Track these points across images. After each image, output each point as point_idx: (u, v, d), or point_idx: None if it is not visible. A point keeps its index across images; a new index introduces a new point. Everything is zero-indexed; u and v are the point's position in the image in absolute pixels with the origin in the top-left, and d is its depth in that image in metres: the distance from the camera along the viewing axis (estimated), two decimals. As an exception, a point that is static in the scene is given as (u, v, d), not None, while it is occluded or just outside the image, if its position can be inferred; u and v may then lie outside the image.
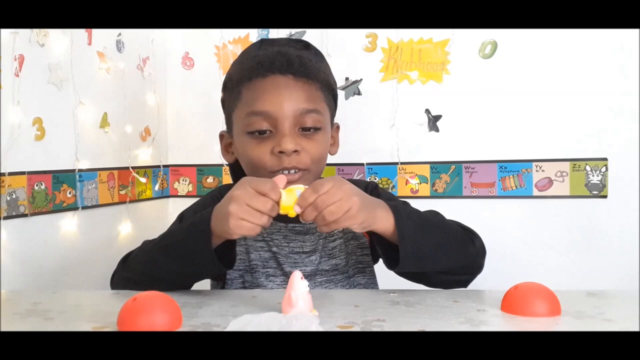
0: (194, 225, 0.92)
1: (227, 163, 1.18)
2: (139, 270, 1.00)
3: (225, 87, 1.12)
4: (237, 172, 1.14)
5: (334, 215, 0.86)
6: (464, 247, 1.00)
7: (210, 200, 1.11)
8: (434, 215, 1.04)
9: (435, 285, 1.01)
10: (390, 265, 0.96)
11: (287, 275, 1.06)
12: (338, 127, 1.16)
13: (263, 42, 1.14)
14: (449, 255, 0.98)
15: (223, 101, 1.13)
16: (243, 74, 1.07)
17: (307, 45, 1.16)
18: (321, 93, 1.08)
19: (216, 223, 0.89)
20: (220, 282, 1.10)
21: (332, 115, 1.13)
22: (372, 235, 0.97)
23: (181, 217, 1.10)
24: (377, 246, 0.99)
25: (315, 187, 0.87)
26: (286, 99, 1.03)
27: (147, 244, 1.03)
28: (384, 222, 0.92)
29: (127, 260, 1.04)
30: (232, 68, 1.12)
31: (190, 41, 2.07)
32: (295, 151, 1.01)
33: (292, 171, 1.02)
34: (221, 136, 1.14)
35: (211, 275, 1.07)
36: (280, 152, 1.01)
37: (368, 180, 1.94)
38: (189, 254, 0.93)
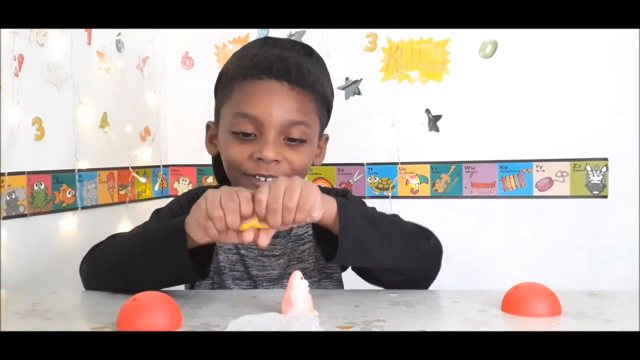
0: (171, 225, 0.91)
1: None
2: (109, 261, 0.98)
3: (220, 79, 1.10)
4: (219, 166, 1.11)
5: (292, 210, 0.83)
6: (415, 243, 0.98)
7: (186, 199, 1.10)
8: (391, 215, 1.02)
9: (388, 286, 0.98)
10: (329, 257, 0.93)
11: (252, 279, 1.06)
12: (327, 139, 1.15)
13: (266, 41, 1.11)
14: (397, 251, 0.95)
15: (215, 91, 1.12)
16: (238, 72, 1.04)
17: (310, 52, 1.12)
18: (314, 105, 1.05)
19: (188, 225, 0.88)
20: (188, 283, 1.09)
21: (323, 127, 1.11)
22: (315, 228, 0.96)
23: (157, 212, 1.10)
24: (315, 239, 0.99)
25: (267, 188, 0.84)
26: (276, 107, 1.00)
27: (119, 237, 1.02)
28: (328, 210, 0.89)
29: (96, 250, 1.02)
30: (230, 62, 1.09)
31: (190, 41, 2.07)
32: (276, 160, 0.99)
33: (269, 179, 0.99)
34: (207, 126, 1.12)
35: (185, 281, 1.03)
36: (260, 158, 0.98)
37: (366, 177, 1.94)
38: (165, 253, 0.90)
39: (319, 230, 0.96)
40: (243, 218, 0.83)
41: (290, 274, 1.04)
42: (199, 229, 0.85)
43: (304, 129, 1.03)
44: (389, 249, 0.94)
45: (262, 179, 1.00)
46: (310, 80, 1.05)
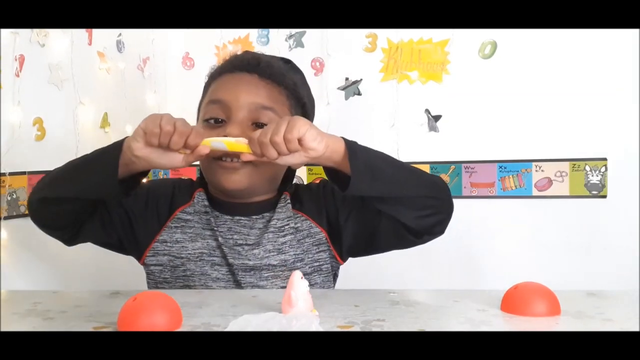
0: (111, 144, 0.97)
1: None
2: (45, 183, 1.05)
3: (204, 90, 1.17)
4: (191, 180, 1.20)
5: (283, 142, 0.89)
6: (421, 173, 1.03)
7: (162, 183, 1.21)
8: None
9: (411, 222, 1.02)
10: (344, 189, 0.96)
11: (230, 266, 1.07)
12: None
13: (248, 52, 1.19)
14: (409, 177, 1.00)
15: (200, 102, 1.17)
16: (215, 72, 1.13)
17: (288, 61, 1.19)
18: (284, 98, 1.10)
19: (127, 141, 0.94)
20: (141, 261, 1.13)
21: None
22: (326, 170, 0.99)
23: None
24: (329, 174, 0.99)
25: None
26: (244, 92, 1.06)
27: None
28: (335, 144, 0.93)
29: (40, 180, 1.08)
30: (209, 72, 1.17)
31: (191, 41, 2.08)
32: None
33: (235, 160, 1.04)
34: None
35: (108, 194, 1.03)
36: (225, 136, 1.00)
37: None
38: (95, 163, 0.98)
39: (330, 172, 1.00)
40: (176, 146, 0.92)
41: (269, 265, 1.06)
42: (140, 137, 0.91)
43: (272, 115, 1.07)
44: (400, 174, 1.00)
45: (228, 159, 1.05)
46: (280, 74, 1.11)
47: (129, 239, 1.12)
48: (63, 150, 1.53)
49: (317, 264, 1.11)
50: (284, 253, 1.09)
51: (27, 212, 1.39)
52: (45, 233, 1.10)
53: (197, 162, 1.18)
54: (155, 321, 0.70)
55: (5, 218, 1.31)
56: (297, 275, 0.77)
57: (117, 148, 0.95)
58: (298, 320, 0.71)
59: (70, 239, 1.12)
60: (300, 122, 0.90)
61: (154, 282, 1.12)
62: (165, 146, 0.91)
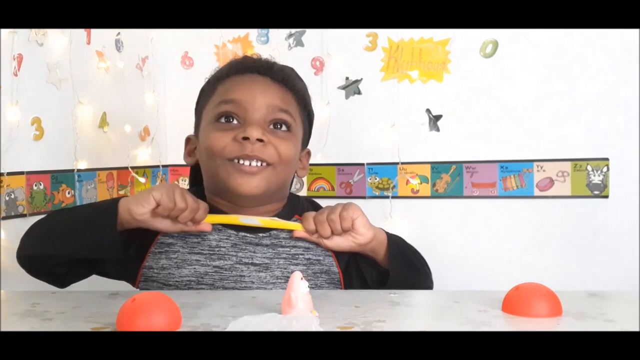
0: (101, 202, 0.99)
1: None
2: (41, 225, 1.02)
3: (202, 90, 1.11)
4: (197, 175, 1.12)
5: (338, 223, 0.97)
6: (425, 276, 1.09)
7: None
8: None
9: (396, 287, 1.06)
10: (375, 280, 1.03)
11: (225, 288, 1.00)
12: (309, 153, 1.14)
13: (256, 56, 1.15)
14: (417, 266, 1.07)
15: (196, 104, 1.11)
16: (221, 74, 1.07)
17: (292, 69, 1.14)
18: (295, 103, 1.07)
19: (126, 202, 0.94)
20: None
21: (306, 136, 1.11)
22: (361, 258, 1.04)
23: None
24: (365, 264, 1.04)
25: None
26: (259, 93, 1.02)
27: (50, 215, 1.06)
28: (380, 236, 1.01)
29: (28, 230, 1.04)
30: (211, 75, 1.11)
31: (190, 41, 2.07)
32: (261, 140, 0.98)
33: (254, 162, 0.99)
34: (187, 140, 1.12)
35: (106, 253, 0.99)
36: (245, 138, 0.97)
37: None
38: (90, 223, 0.96)
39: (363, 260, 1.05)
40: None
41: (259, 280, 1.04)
42: (148, 205, 0.93)
43: (288, 117, 1.03)
44: (415, 263, 1.06)
45: (247, 162, 0.98)
46: (292, 79, 1.07)
47: (120, 271, 1.08)
48: (61, 150, 1.53)
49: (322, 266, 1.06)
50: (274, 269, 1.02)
51: (25, 212, 1.38)
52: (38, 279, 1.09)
53: (189, 164, 1.17)
54: (154, 322, 0.70)
55: (4, 218, 1.31)
56: (297, 276, 0.76)
57: (111, 209, 0.95)
58: (298, 321, 0.70)
59: (63, 283, 1.08)
60: (355, 206, 0.98)
61: None
62: (173, 218, 0.96)
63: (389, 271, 1.01)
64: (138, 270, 1.05)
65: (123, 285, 1.12)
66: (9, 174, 1.33)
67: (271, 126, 1.02)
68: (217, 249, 1.02)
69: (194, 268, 1.01)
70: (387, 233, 1.03)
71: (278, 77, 1.05)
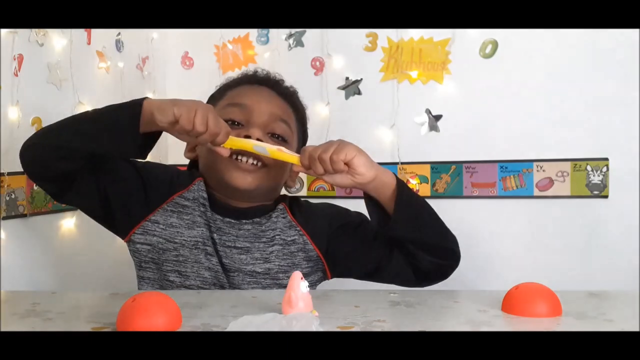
0: (125, 102, 0.99)
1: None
2: (56, 125, 1.04)
3: (212, 96, 1.21)
4: (194, 169, 1.21)
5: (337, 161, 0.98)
6: (445, 227, 1.10)
7: (163, 166, 1.23)
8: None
9: (423, 263, 1.08)
10: (381, 224, 1.05)
11: (220, 257, 1.08)
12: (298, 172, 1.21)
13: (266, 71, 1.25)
14: (436, 224, 1.07)
15: None
16: (232, 82, 1.20)
17: (297, 91, 1.26)
18: (295, 119, 1.19)
19: (149, 105, 0.95)
20: (132, 246, 1.12)
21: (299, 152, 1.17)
22: (366, 197, 1.06)
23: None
24: (369, 204, 1.06)
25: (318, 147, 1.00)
26: (265, 101, 1.14)
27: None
28: (386, 178, 1.02)
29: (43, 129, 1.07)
30: (222, 83, 1.24)
31: (190, 41, 2.07)
32: (260, 141, 1.06)
33: (251, 160, 1.08)
34: None
35: (123, 152, 1.05)
36: (246, 136, 1.06)
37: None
38: (116, 119, 0.98)
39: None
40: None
41: (252, 272, 1.07)
42: (168, 117, 0.93)
43: (286, 128, 1.15)
44: (433, 222, 1.07)
45: (244, 159, 1.08)
46: (295, 99, 1.21)
47: (122, 210, 1.11)
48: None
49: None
50: (270, 262, 1.10)
51: (25, 212, 1.38)
52: (35, 183, 1.11)
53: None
54: (154, 322, 0.70)
55: (4, 218, 1.31)
56: (297, 276, 0.77)
57: (136, 107, 0.96)
58: (298, 321, 0.70)
59: (59, 194, 1.10)
60: (350, 146, 0.99)
61: (139, 260, 1.12)
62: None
63: (391, 216, 1.02)
64: (141, 219, 1.10)
65: (123, 285, 1.12)
66: (9, 174, 1.33)
67: (270, 134, 1.13)
68: (212, 225, 1.11)
69: (202, 230, 1.09)
70: (399, 180, 1.04)
71: (283, 92, 1.18)
